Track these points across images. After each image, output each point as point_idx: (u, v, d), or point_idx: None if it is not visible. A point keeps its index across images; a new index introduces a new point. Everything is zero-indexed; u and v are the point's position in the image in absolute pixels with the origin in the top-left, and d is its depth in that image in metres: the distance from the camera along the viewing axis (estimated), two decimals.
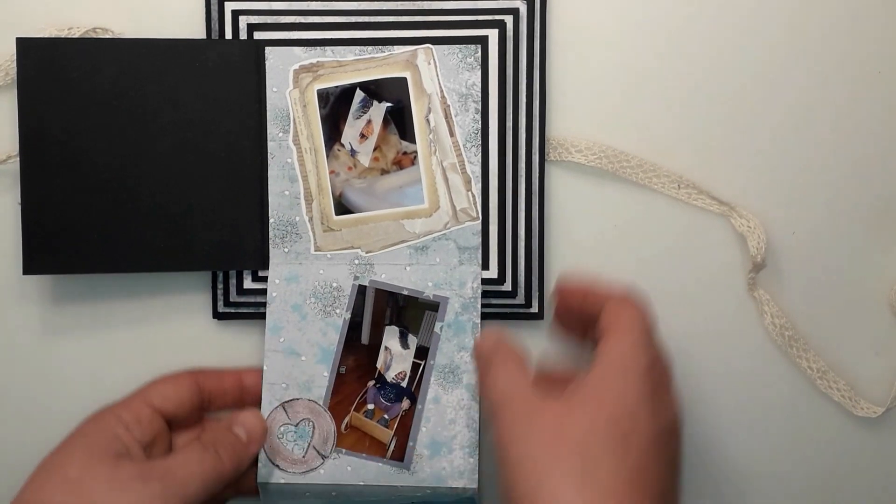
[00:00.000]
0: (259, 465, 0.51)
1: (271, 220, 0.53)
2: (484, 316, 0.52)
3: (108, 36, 0.52)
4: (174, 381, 0.52)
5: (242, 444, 0.49)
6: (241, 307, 0.54)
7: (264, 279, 0.53)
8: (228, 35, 0.52)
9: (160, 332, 0.55)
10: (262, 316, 0.53)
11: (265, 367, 0.52)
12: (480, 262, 0.52)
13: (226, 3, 0.52)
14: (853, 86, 0.53)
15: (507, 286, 0.53)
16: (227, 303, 0.54)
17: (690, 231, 0.53)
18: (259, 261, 0.53)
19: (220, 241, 0.52)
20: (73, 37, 0.51)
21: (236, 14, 0.52)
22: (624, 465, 0.40)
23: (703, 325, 0.54)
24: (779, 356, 0.54)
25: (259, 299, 0.53)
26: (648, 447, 0.41)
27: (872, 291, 0.54)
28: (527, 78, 0.52)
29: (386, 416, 0.52)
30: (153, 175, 0.51)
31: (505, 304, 0.53)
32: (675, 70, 0.53)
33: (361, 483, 0.51)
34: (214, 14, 0.52)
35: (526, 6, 0.51)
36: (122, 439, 0.47)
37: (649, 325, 0.45)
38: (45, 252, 0.51)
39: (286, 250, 0.53)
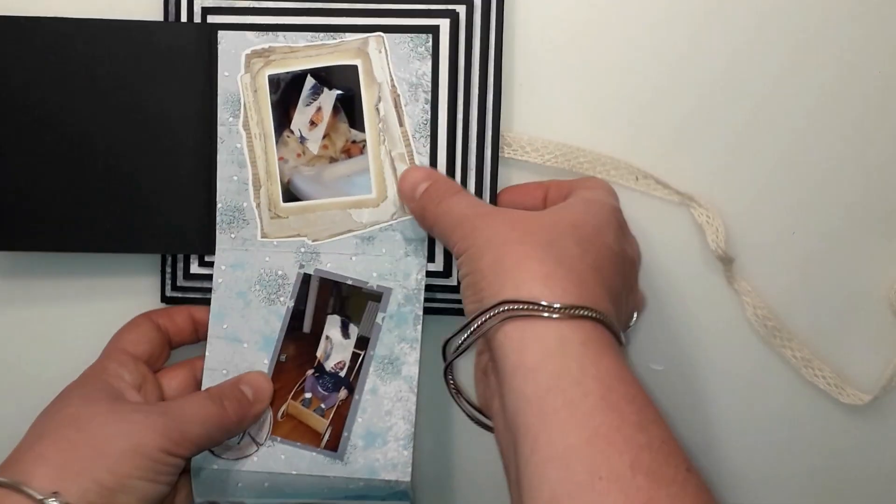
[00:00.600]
0: None
1: (219, 206, 0.52)
2: (427, 311, 0.51)
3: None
4: (135, 326, 0.52)
5: (248, 401, 0.50)
6: (188, 292, 0.54)
7: (211, 264, 0.53)
8: (184, 18, 0.52)
9: (108, 313, 0.54)
10: (209, 301, 0.52)
11: (207, 353, 0.52)
12: (426, 254, 0.51)
13: None
14: (850, 85, 0.52)
15: (453, 280, 0.52)
16: (174, 287, 0.54)
17: (664, 226, 0.53)
18: (205, 245, 0.53)
19: (167, 225, 0.52)
20: (26, 15, 0.51)
21: None
22: (585, 257, 0.42)
23: (686, 318, 0.54)
24: (763, 347, 0.53)
25: (206, 284, 0.53)
26: (608, 257, 0.44)
27: (868, 287, 0.53)
28: (479, 71, 0.51)
29: (322, 406, 0.51)
30: (102, 156, 0.51)
31: (449, 298, 0.52)
32: (645, 65, 0.52)
33: (294, 472, 0.50)
34: None
35: None
36: (115, 386, 0.48)
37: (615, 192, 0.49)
38: None
39: (233, 236, 0.52)
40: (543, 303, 0.39)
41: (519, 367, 0.39)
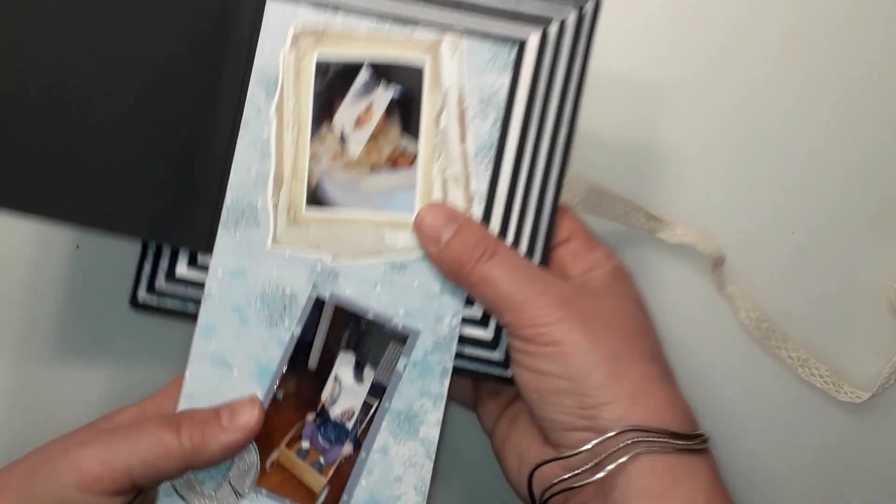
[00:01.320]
0: (161, 493, 0.42)
1: (227, 198, 0.43)
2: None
3: None
4: None
5: (217, 426, 0.41)
6: (167, 298, 0.44)
7: (203, 268, 0.44)
8: None
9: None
10: (191, 318, 0.43)
11: (186, 374, 0.43)
12: (465, 294, 0.44)
13: None
14: (852, 85, 0.52)
15: (490, 333, 0.44)
16: (150, 288, 0.44)
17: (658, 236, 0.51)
18: (202, 241, 0.44)
19: (157, 206, 0.43)
20: None
21: None
22: (648, 340, 0.43)
23: (680, 327, 0.52)
24: (759, 350, 0.52)
25: (191, 293, 0.44)
26: (654, 330, 0.45)
27: (866, 286, 0.52)
28: (559, 97, 0.44)
29: (321, 460, 0.42)
30: (110, 116, 0.42)
31: (479, 357, 0.44)
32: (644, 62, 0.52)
33: None
34: None
35: (576, 16, 0.44)
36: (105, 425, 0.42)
37: None
38: None
39: (237, 237, 0.43)
40: (673, 433, 0.40)
41: (645, 494, 0.39)
